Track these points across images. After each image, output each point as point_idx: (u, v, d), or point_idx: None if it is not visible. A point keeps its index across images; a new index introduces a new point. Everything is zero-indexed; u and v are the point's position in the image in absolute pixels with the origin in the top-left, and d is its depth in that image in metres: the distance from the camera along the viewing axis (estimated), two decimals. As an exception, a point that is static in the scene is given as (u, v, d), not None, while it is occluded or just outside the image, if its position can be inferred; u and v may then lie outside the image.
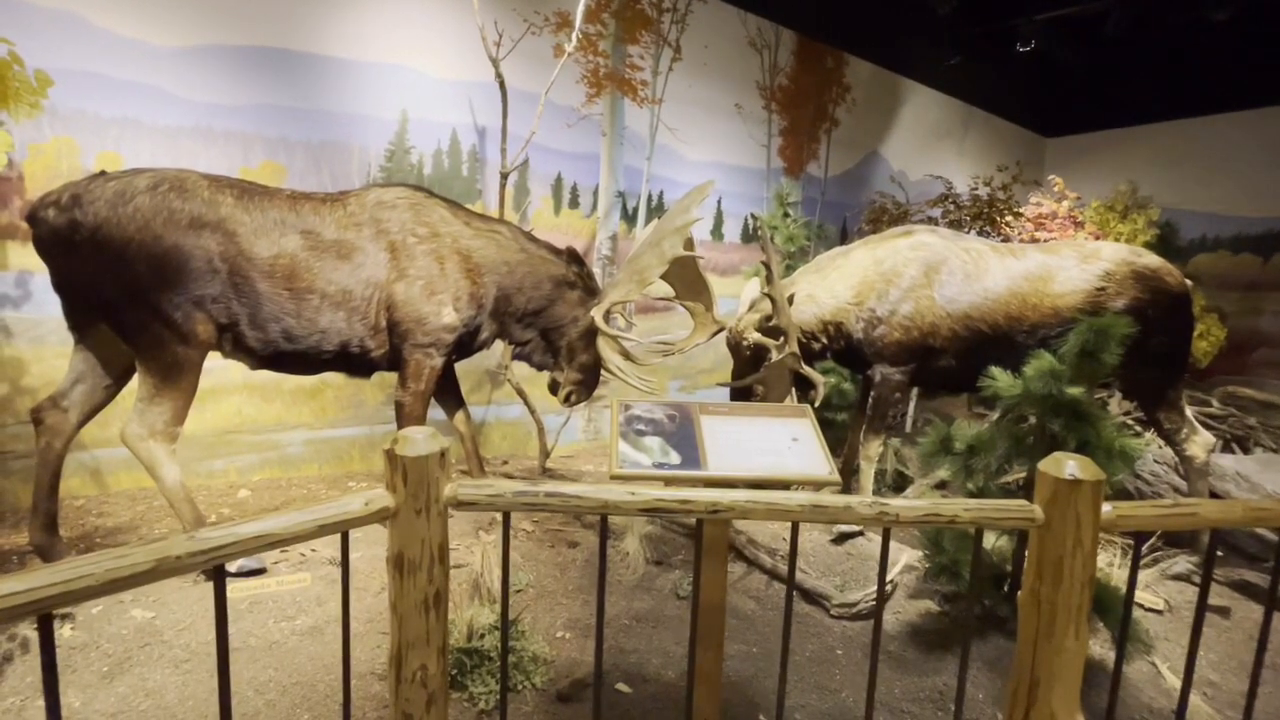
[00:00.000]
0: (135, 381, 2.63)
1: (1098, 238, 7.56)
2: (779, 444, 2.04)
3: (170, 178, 2.52)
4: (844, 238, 7.20)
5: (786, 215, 5.59)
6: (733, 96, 6.02)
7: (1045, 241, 6.49)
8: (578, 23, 4.34)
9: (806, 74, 6.54)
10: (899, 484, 4.56)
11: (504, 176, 4.08)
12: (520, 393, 4.35)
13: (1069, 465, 1.50)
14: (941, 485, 5.03)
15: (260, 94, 3.82)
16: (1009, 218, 5.98)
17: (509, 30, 4.39)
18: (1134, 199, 8.72)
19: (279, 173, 3.89)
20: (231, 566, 2.64)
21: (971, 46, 6.73)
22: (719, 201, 6.08)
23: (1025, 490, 2.76)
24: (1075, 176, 8.79)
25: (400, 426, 3.02)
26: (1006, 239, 6.16)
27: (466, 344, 3.17)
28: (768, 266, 2.98)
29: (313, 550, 3.11)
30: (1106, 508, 1.53)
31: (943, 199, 6.17)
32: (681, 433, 2.06)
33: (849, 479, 4.13)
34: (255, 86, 3.80)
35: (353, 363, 2.97)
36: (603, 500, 1.46)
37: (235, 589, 2.68)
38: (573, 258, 3.27)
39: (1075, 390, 2.61)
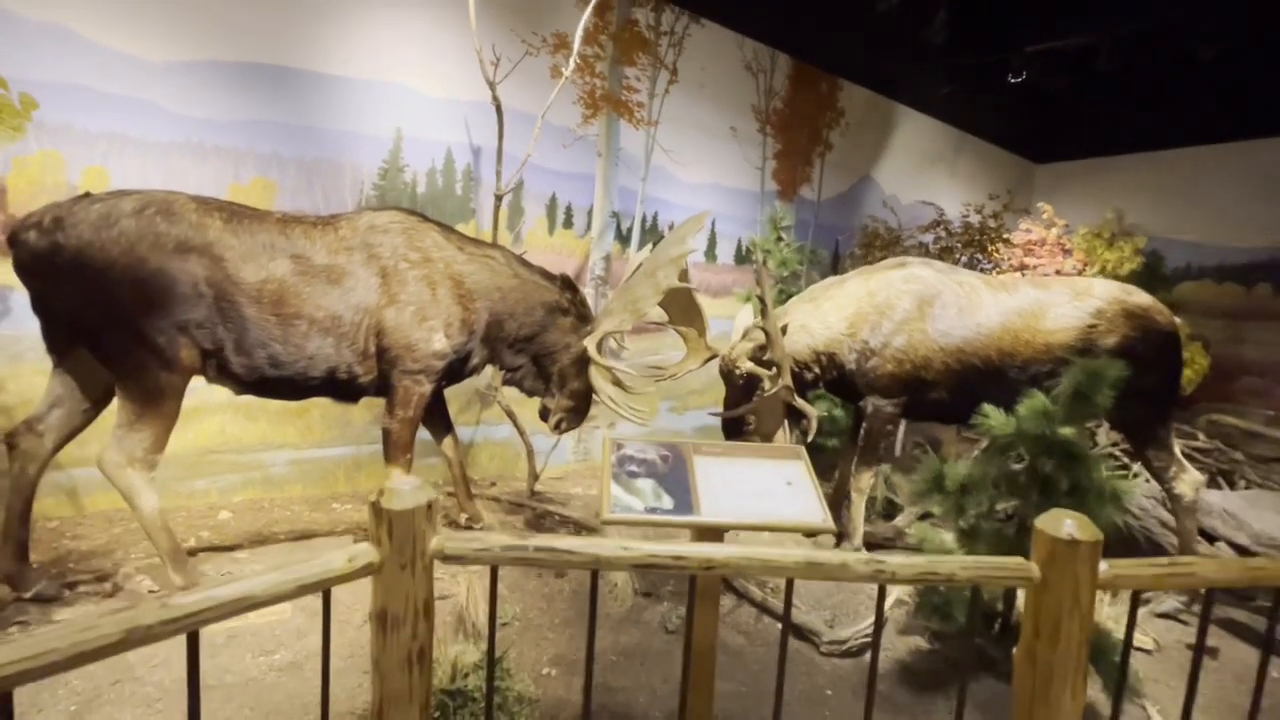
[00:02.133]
0: (114, 405, 2.57)
1: (1085, 264, 7.65)
2: (774, 487, 2.01)
3: (157, 200, 2.47)
4: (836, 262, 7.23)
5: (780, 239, 5.61)
6: (728, 119, 6.06)
7: (1034, 268, 6.55)
8: (575, 45, 4.34)
9: (801, 98, 6.60)
10: (888, 511, 4.55)
11: (499, 198, 4.06)
12: (509, 414, 4.30)
13: (1067, 524, 1.48)
14: (928, 514, 5.03)
15: (253, 110, 3.78)
16: (999, 245, 6.04)
17: (506, 51, 4.39)
18: (1120, 227, 8.87)
19: (270, 189, 3.85)
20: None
21: (964, 76, 6.82)
22: (713, 223, 6.09)
23: (1017, 532, 2.75)
24: (1063, 203, 8.89)
25: (387, 453, 2.97)
26: (997, 266, 6.21)
27: (457, 370, 3.13)
28: (762, 300, 2.98)
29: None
30: (1103, 566, 1.51)
31: (934, 225, 6.22)
32: (674, 475, 2.03)
33: (839, 510, 4.11)
34: (248, 102, 3.76)
35: (340, 389, 2.92)
36: (594, 555, 1.43)
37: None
38: (566, 284, 3.25)
39: (1067, 431, 2.61)
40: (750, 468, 2.07)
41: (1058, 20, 6.15)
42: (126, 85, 3.41)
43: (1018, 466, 2.78)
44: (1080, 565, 1.46)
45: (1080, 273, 7.25)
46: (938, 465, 2.77)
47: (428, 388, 2.96)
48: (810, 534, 2.01)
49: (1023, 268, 6.59)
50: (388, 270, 2.86)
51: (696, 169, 5.87)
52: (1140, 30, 5.72)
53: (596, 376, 2.98)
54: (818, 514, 1.88)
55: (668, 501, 1.89)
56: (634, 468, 2.03)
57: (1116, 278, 6.21)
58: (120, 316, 2.38)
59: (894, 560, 1.48)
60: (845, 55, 6.79)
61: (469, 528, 3.67)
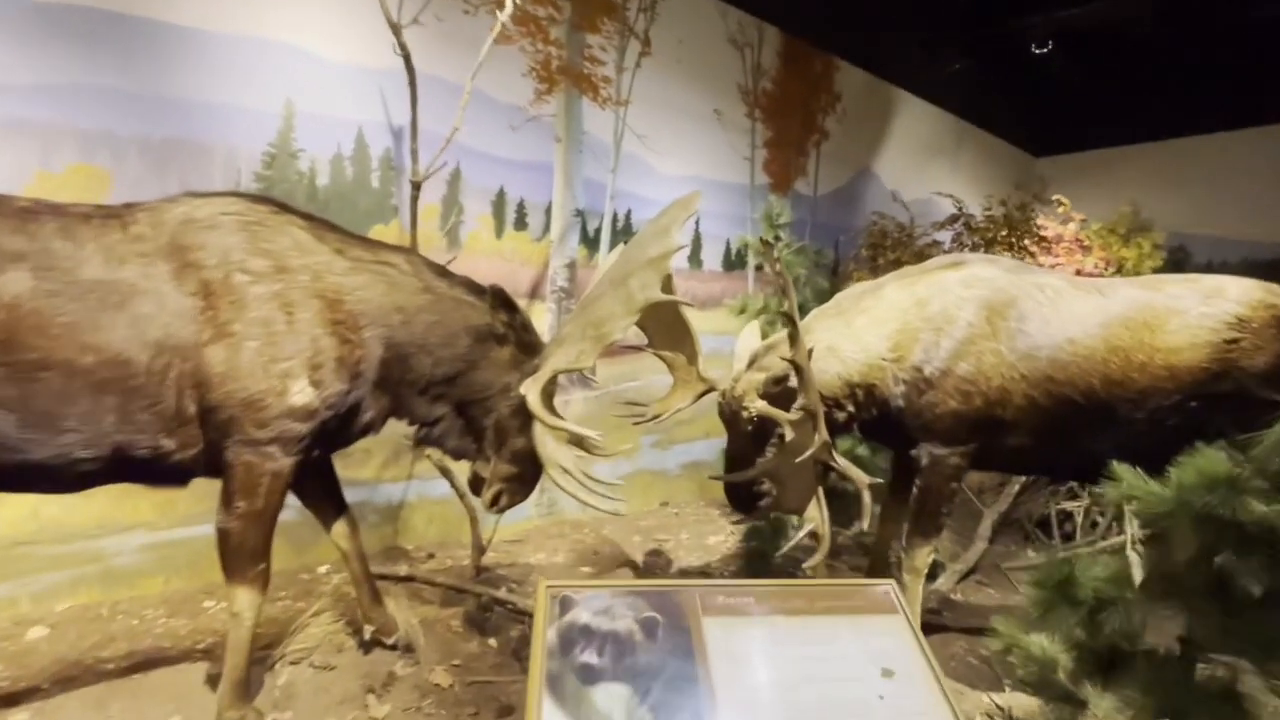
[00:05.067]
0: None
1: (1108, 263, 6.90)
2: (854, 689, 1.04)
3: None
4: (836, 267, 6.34)
5: (778, 239, 4.68)
6: (711, 100, 5.15)
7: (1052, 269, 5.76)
8: (518, -9, 3.38)
9: (793, 78, 5.72)
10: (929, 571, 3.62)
11: (416, 186, 3.06)
12: (444, 471, 3.29)
13: None
14: (971, 572, 4.12)
15: (73, 70, 2.75)
16: (1030, 241, 5.21)
17: (437, 7, 3.42)
18: (1136, 221, 8.17)
19: (98, 181, 2.81)
20: None
21: (977, 50, 6.04)
22: (696, 223, 5.16)
23: (1183, 662, 1.82)
24: (1072, 198, 8.21)
25: (225, 566, 1.95)
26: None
27: (338, 431, 2.12)
28: (791, 320, 2.00)
29: None
30: None
31: (953, 220, 5.37)
32: (669, 663, 1.05)
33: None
34: (66, 59, 2.73)
35: (143, 472, 1.90)
36: None
37: None
38: (499, 300, 2.26)
39: (1269, 509, 1.70)
40: (808, 644, 1.10)
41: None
42: None
43: (1174, 557, 1.87)
44: None
45: (1104, 272, 6.51)
46: (1064, 566, 1.82)
47: (285, 463, 1.94)
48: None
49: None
50: (213, 286, 1.85)
51: (676, 159, 4.93)
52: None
53: (542, 439, 1.99)
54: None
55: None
56: (591, 656, 1.04)
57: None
58: None
59: None
60: (839, 28, 5.94)
61: (379, 643, 2.64)
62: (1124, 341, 2.41)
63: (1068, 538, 4.42)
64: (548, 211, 4.26)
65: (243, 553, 1.94)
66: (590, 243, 4.48)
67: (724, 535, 4.37)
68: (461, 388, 2.31)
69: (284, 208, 2.08)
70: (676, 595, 1.14)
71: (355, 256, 2.14)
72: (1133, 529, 4.06)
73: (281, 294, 1.93)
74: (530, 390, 1.89)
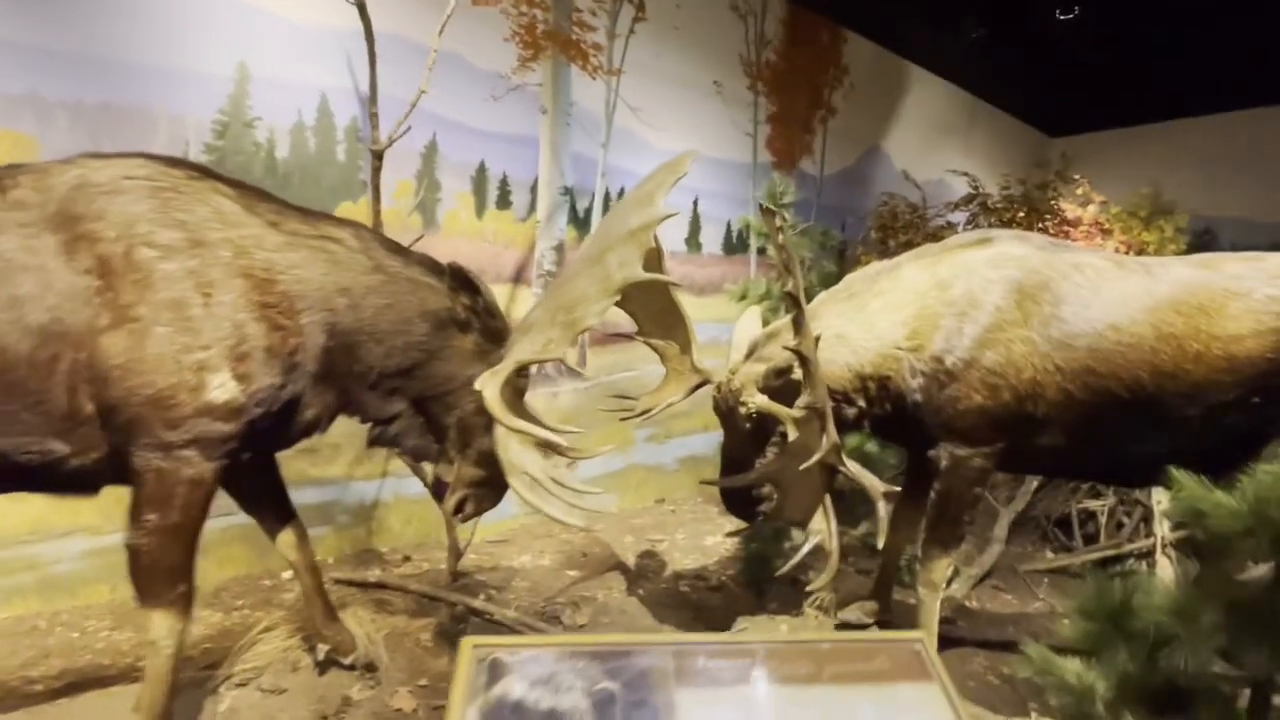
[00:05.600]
0: None
1: (1129, 247, 6.57)
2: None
3: None
4: (843, 250, 6.02)
5: (781, 208, 4.36)
6: (711, 71, 4.81)
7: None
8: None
9: (799, 49, 5.37)
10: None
11: (377, 156, 2.76)
12: (414, 467, 3.03)
13: None
14: (986, 576, 3.84)
15: (-9, 26, 2.46)
16: (1048, 223, 4.88)
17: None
18: (1158, 203, 7.81)
19: (22, 148, 2.52)
20: None
21: (994, 20, 5.68)
22: (695, 203, 4.85)
23: (1256, 700, 1.54)
24: (1088, 179, 7.87)
25: (137, 588, 1.68)
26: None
27: (271, 431, 1.84)
28: (796, 301, 1.70)
29: None
30: None
31: (969, 200, 5.04)
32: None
33: (885, 597, 2.90)
34: (-17, 15, 2.44)
35: (36, 480, 1.63)
36: None
37: None
38: (459, 280, 1.97)
39: (1371, 529, 1.42)
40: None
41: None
42: None
43: (1246, 579, 1.58)
44: None
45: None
46: (1117, 592, 1.54)
47: (205, 469, 1.67)
48: None
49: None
50: (112, 263, 1.57)
51: (673, 134, 4.61)
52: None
53: (504, 443, 1.71)
54: None
55: None
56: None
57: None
58: None
59: None
60: (849, -3, 5.58)
61: (336, 662, 2.39)
62: (1176, 328, 2.11)
63: (1090, 539, 4.13)
64: (533, 189, 3.95)
65: (157, 574, 1.67)
66: (580, 223, 4.18)
67: (721, 536, 4.10)
68: (419, 381, 2.03)
69: (206, 172, 1.79)
70: (642, 657, 0.86)
71: (292, 230, 1.85)
72: (1163, 531, 3.78)
73: (197, 271, 1.64)
74: (488, 386, 1.61)
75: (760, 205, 1.73)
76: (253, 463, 1.99)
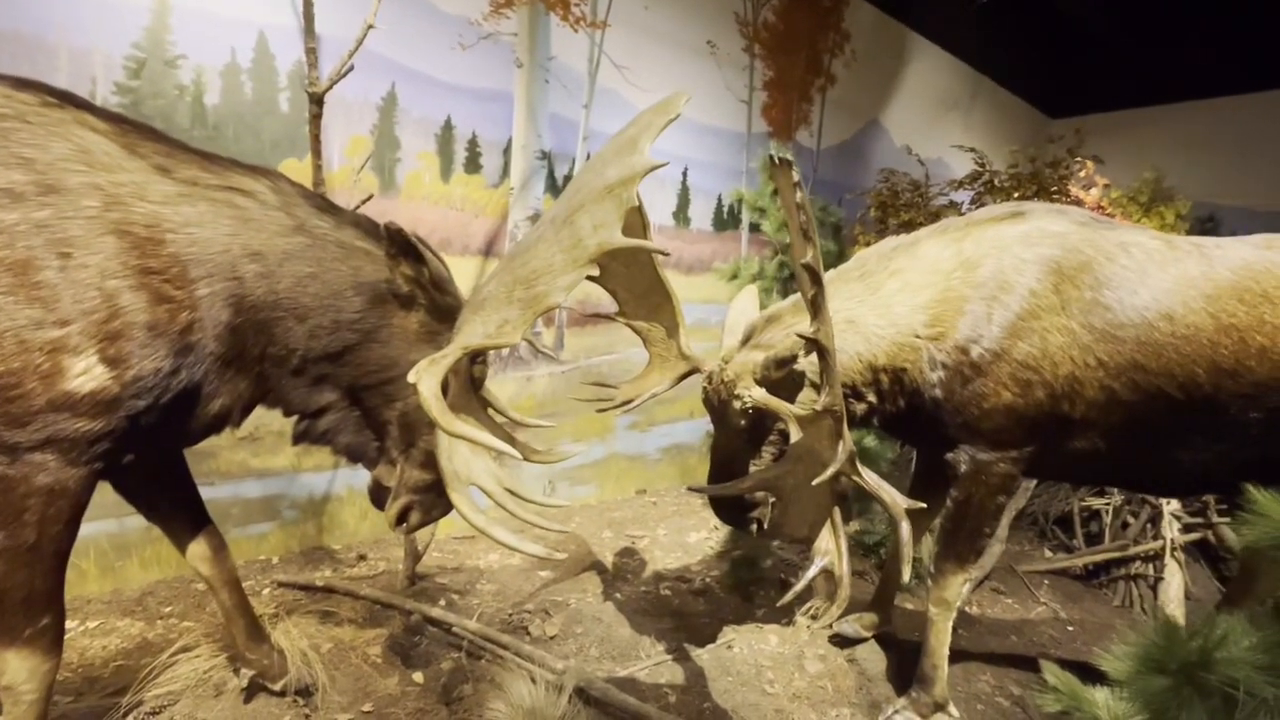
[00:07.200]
0: None
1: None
2: None
3: None
4: (838, 230, 5.71)
5: (778, 192, 4.03)
6: (703, 30, 4.43)
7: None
8: None
9: (798, 10, 4.99)
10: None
11: (315, 100, 2.37)
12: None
13: None
14: (985, 578, 3.61)
15: None
16: (1063, 199, 4.60)
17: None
18: (1159, 189, 7.59)
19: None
20: None
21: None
22: (684, 174, 4.50)
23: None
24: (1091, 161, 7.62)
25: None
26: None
27: (164, 426, 1.49)
28: (816, 275, 1.35)
29: None
30: None
31: (974, 178, 4.74)
32: None
33: (886, 610, 2.65)
34: None
35: None
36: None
37: None
38: (398, 243, 1.61)
39: None
40: None
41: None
42: None
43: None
44: None
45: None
46: (1192, 640, 1.26)
47: (68, 475, 1.33)
48: None
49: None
50: (-70, 211, 1.20)
51: (661, 95, 4.21)
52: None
53: (446, 448, 1.38)
54: None
55: None
56: None
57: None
58: None
59: None
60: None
61: (264, 688, 2.07)
62: (1239, 319, 1.83)
63: (1092, 539, 3.93)
64: (506, 151, 3.57)
65: (8, 605, 1.33)
66: (559, 191, 3.81)
67: (706, 532, 3.84)
68: (352, 367, 1.69)
69: (69, 99, 1.41)
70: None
71: (188, 178, 1.49)
72: (1173, 533, 3.57)
73: (50, 225, 1.28)
74: (425, 378, 1.27)
75: (771, 156, 1.41)
76: (150, 463, 1.65)
